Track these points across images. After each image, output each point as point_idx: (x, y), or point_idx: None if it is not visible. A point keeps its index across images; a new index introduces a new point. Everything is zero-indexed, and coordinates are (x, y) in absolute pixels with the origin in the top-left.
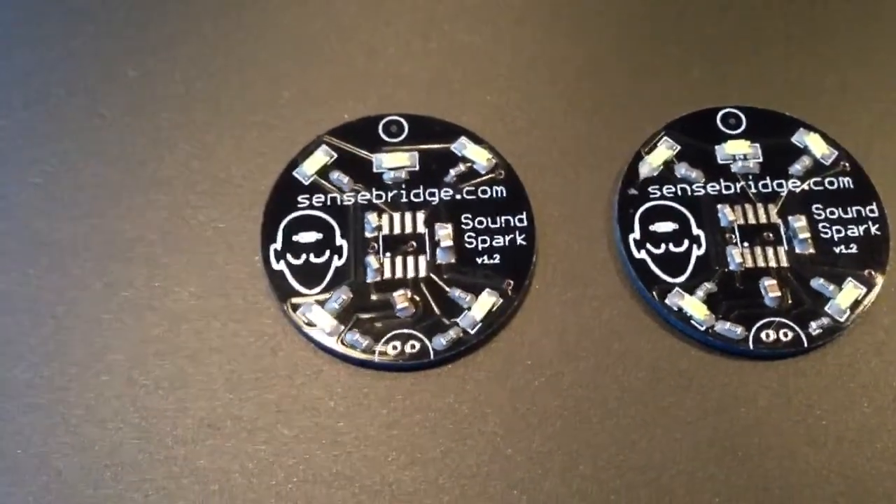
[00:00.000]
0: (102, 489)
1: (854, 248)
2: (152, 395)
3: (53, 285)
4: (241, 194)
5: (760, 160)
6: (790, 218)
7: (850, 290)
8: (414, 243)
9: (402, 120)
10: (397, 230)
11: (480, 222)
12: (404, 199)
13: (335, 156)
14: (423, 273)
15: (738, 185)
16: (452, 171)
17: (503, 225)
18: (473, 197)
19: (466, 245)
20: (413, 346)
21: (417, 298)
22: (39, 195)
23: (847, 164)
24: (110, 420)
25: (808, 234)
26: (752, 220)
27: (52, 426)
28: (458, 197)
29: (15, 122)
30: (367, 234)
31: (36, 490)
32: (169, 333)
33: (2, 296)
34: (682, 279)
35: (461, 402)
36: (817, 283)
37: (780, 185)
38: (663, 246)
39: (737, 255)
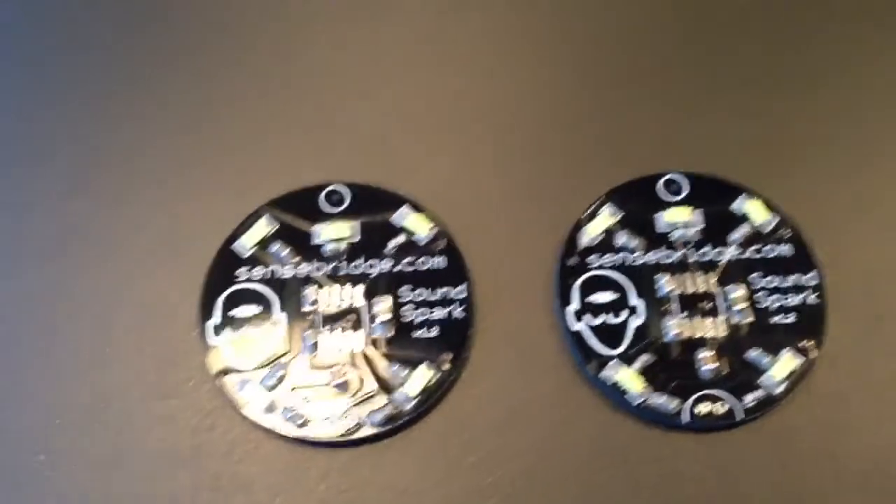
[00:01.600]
0: None
1: (792, 318)
2: (83, 472)
3: None
4: (180, 268)
5: (701, 227)
6: (728, 287)
7: (787, 361)
8: (354, 316)
9: (344, 189)
10: (336, 303)
11: (419, 294)
12: (343, 272)
13: (276, 226)
14: (360, 347)
15: (678, 254)
16: (392, 243)
17: (441, 297)
18: (412, 268)
19: (404, 318)
20: (349, 422)
21: (356, 373)
22: None
23: (787, 231)
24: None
25: (746, 304)
26: (690, 290)
27: None
28: (398, 268)
29: None
30: (305, 308)
31: None
32: (103, 406)
33: None
34: (619, 350)
35: (397, 479)
36: (754, 353)
37: (719, 254)
38: (602, 316)
39: (674, 326)
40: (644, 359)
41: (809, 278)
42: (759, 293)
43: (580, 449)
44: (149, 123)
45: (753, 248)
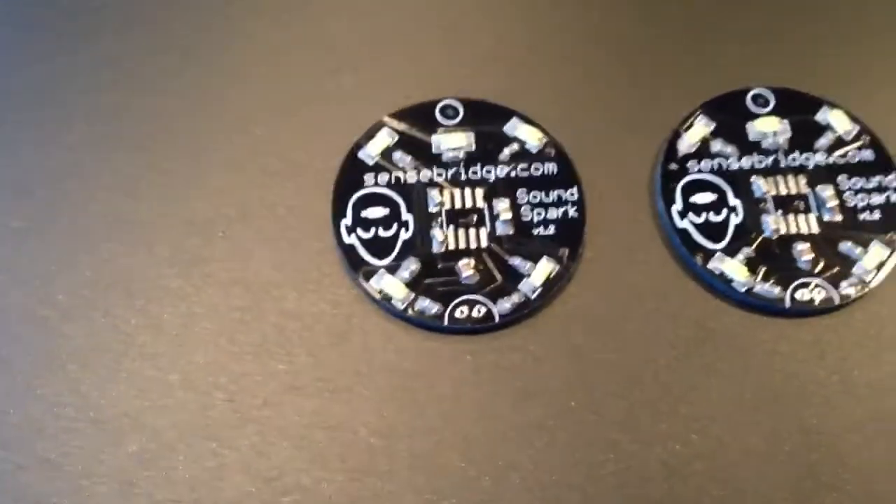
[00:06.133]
0: (197, 447)
1: (877, 215)
2: (239, 360)
3: (139, 261)
4: (311, 175)
5: (789, 136)
6: (818, 188)
7: (876, 253)
8: (475, 217)
9: (457, 104)
10: (458, 205)
11: (535, 197)
12: (463, 177)
13: (396, 137)
14: (484, 244)
15: (770, 159)
16: (507, 150)
17: (555, 199)
18: (527, 174)
19: (523, 218)
20: (479, 311)
21: (481, 267)
22: (122, 177)
23: (868, 139)
24: (202, 383)
25: (835, 203)
26: (783, 191)
27: (147, 390)
28: (513, 174)
29: (96, 107)
30: (431, 209)
31: (136, 450)
32: (251, 304)
33: (92, 273)
34: (722, 245)
35: (526, 362)
36: (845, 246)
37: (807, 159)
38: (704, 215)
39: (771, 223)
40: (745, 252)
41: (891, 179)
42: (846, 193)
43: (689, 333)
44: (273, 40)
45: (838, 153)
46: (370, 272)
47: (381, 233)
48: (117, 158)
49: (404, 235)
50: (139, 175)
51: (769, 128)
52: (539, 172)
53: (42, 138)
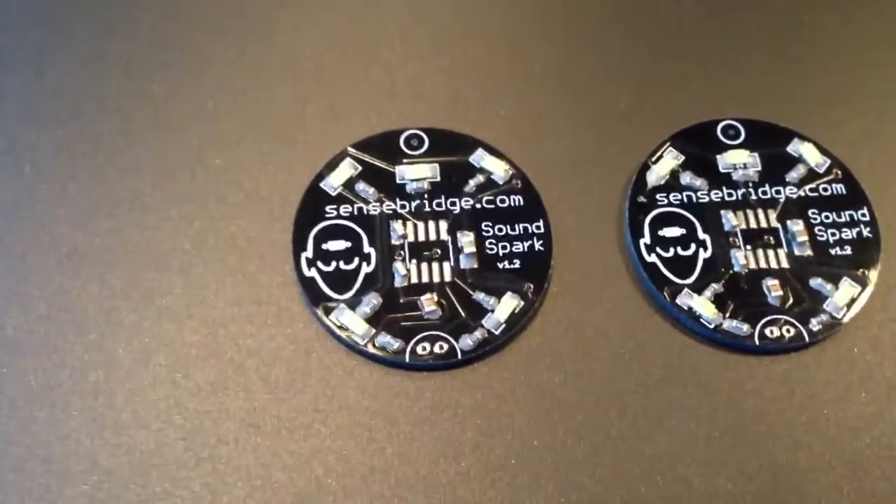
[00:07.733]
0: (150, 487)
1: (848, 250)
2: (194, 397)
3: (92, 295)
4: (271, 206)
5: (759, 168)
6: (788, 222)
7: (847, 289)
8: (438, 250)
9: (422, 133)
10: (422, 238)
11: (500, 230)
12: (427, 209)
13: (360, 168)
14: (448, 278)
15: (740, 192)
16: (472, 182)
17: (521, 232)
18: (492, 206)
19: (488, 251)
20: (441, 347)
21: (444, 302)
22: (75, 209)
23: (839, 172)
24: (155, 422)
25: (805, 237)
26: (753, 225)
27: (101, 429)
28: (479, 206)
29: (49, 139)
30: (394, 242)
31: (87, 489)
32: (207, 339)
33: (44, 307)
34: (690, 280)
35: (488, 399)
36: (815, 282)
37: (777, 192)
38: (672, 250)
39: (741, 258)
40: (714, 287)
41: (862, 214)
42: (817, 227)
43: (656, 371)
44: (235, 69)
45: (809, 186)
46: (330, 306)
47: (343, 266)
48: (71, 190)
49: (366, 269)
50: (93, 207)
51: (739, 160)
52: (505, 205)
53: None
